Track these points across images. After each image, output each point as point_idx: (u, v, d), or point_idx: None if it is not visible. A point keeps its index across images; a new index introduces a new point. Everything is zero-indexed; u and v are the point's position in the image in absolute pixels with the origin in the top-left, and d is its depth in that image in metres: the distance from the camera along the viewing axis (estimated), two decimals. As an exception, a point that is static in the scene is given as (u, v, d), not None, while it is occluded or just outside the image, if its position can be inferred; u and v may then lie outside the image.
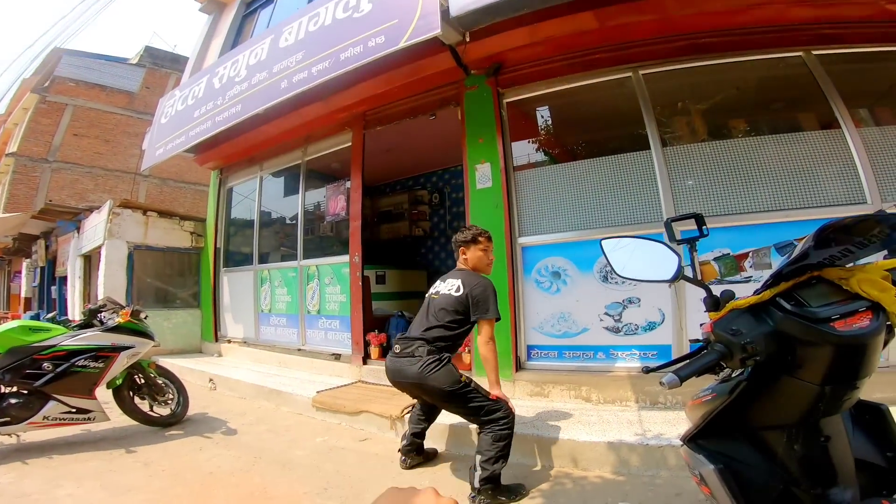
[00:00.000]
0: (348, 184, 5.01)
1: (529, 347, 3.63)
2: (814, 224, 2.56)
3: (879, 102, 3.46)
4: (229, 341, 6.44)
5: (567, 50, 3.56)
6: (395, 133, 5.88)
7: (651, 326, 3.29)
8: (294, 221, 5.70)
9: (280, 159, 5.99)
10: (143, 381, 3.61)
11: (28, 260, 13.47)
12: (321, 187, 5.83)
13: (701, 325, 1.18)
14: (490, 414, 2.40)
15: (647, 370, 1.16)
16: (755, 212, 3.13)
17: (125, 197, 9.85)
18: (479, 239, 2.74)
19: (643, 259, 1.34)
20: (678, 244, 1.37)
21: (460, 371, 2.50)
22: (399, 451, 2.81)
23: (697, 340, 1.18)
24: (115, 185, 14.46)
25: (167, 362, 5.83)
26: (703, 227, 1.36)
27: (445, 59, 3.76)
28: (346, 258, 4.81)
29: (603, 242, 1.39)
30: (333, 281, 5.06)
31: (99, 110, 14.77)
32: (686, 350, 3.16)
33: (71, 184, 13.93)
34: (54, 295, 10.89)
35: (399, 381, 2.59)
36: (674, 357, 1.15)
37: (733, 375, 1.05)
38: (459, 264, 2.81)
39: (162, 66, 16.37)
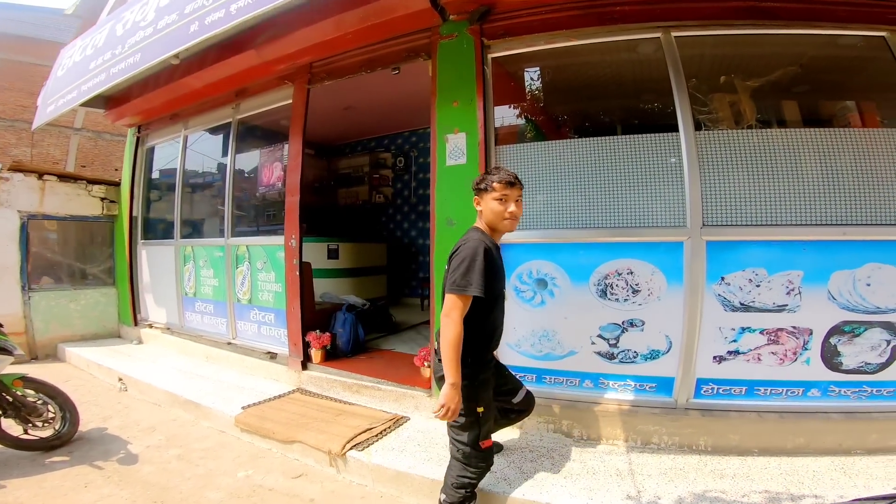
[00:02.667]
0: (286, 149, 4.14)
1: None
2: (880, 246, 1.80)
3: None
4: (151, 326, 5.62)
5: None
6: (355, 89, 5.10)
7: (654, 355, 2.70)
8: (221, 191, 4.80)
9: (207, 116, 5.03)
10: (10, 400, 2.84)
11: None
12: (255, 151, 4.93)
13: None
14: (453, 443, 2.04)
15: None
16: (803, 225, 2.51)
17: (51, 152, 8.63)
18: (493, 184, 2.03)
19: None
20: None
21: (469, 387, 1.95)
22: None
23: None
24: (41, 139, 12.98)
25: (73, 352, 5.18)
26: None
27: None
28: (280, 240, 4.00)
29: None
30: (267, 266, 4.26)
31: (27, 63, 13.10)
32: (693, 384, 2.68)
33: (-12, 138, 12.36)
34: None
35: None
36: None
37: None
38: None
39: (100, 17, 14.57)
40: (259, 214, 5.13)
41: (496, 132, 3.08)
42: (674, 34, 2.73)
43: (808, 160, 2.56)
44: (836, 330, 2.50)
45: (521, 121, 3.56)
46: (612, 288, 2.72)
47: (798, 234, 2.51)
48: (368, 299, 5.37)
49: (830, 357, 2.52)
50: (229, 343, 4.62)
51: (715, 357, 2.62)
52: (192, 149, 5.42)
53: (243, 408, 3.33)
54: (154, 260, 5.64)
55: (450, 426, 2.03)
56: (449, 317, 1.88)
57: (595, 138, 2.87)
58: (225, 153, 4.81)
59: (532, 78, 3.58)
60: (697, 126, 2.67)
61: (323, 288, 5.45)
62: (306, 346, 3.88)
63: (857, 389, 2.51)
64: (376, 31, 3.25)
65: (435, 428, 2.89)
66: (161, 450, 3.02)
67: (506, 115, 3.38)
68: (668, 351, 2.68)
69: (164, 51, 3.53)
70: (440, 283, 2.98)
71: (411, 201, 7.46)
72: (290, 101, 4.04)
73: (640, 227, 2.70)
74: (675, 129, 2.67)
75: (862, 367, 2.50)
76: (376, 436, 2.79)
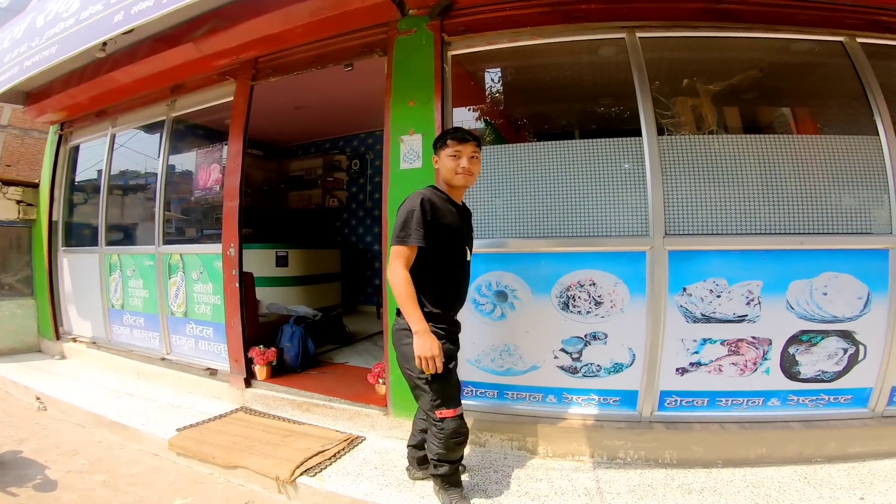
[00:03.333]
0: (226, 149, 3.83)
1: (461, 384, 2.85)
2: (836, 255, 1.56)
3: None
4: (75, 340, 5.09)
5: None
6: (307, 88, 4.84)
7: (618, 368, 2.63)
8: (153, 195, 4.41)
9: (138, 114, 4.61)
10: None
11: None
12: (192, 151, 4.57)
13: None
14: (420, 399, 2.08)
15: None
16: (762, 234, 2.51)
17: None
18: (447, 140, 2.11)
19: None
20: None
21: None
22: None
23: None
24: (-40, 135, 11.77)
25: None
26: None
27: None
28: (218, 248, 3.69)
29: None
30: (203, 276, 3.92)
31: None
32: (657, 397, 2.64)
33: None
34: None
35: None
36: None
37: None
38: None
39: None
40: (195, 220, 4.78)
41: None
42: (638, 35, 2.68)
43: (767, 168, 2.56)
44: (794, 339, 2.51)
45: (480, 124, 3.44)
46: (575, 300, 2.63)
47: (758, 244, 2.51)
48: (321, 308, 5.11)
49: (789, 366, 2.53)
50: (163, 359, 4.23)
51: (678, 369, 2.58)
52: (124, 147, 4.97)
53: (178, 430, 3.01)
54: (77, 268, 5.13)
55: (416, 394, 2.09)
56: (391, 266, 1.97)
57: (556, 142, 2.77)
58: (158, 154, 4.40)
59: (492, 79, 3.47)
60: (660, 131, 2.63)
61: (271, 298, 5.13)
62: (249, 362, 3.58)
63: (814, 398, 2.54)
64: (329, 24, 3.03)
65: (393, 448, 2.71)
66: (84, 475, 2.68)
67: (464, 118, 3.26)
68: (631, 364, 2.62)
69: (84, 42, 3.19)
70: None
71: (367, 205, 7.22)
72: (232, 98, 3.73)
73: (603, 235, 2.62)
74: (638, 133, 2.60)
75: (819, 375, 2.52)
76: (329, 459, 2.57)
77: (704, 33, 2.70)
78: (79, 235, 5.38)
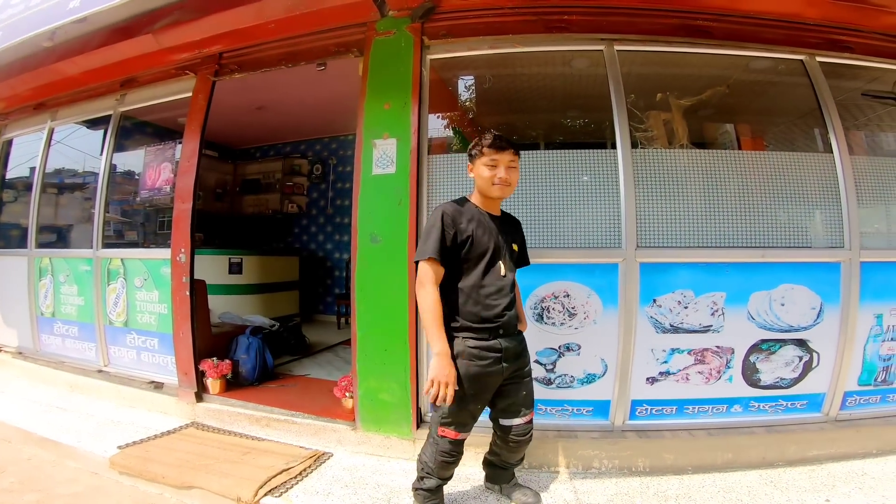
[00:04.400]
0: (179, 148, 3.62)
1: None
2: (793, 268, 1.67)
3: (879, 124, 3.19)
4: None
5: (531, 0, 2.71)
6: (270, 88, 4.68)
7: (590, 379, 2.66)
8: (92, 195, 4.10)
9: (83, 107, 4.30)
10: None
11: None
12: (139, 149, 4.27)
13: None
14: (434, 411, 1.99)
15: None
16: (727, 247, 2.63)
17: None
18: (483, 148, 1.98)
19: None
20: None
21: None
22: None
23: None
24: None
25: None
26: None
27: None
28: (166, 253, 3.46)
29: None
30: (148, 283, 3.66)
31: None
32: (628, 406, 2.68)
33: None
34: None
35: None
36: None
37: None
38: None
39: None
40: (139, 223, 4.50)
41: (429, 140, 2.90)
42: (616, 48, 2.76)
43: (732, 183, 2.69)
44: (754, 348, 2.64)
45: (452, 131, 3.44)
46: (549, 311, 2.65)
47: (722, 257, 2.62)
48: (278, 318, 4.91)
49: (750, 374, 2.65)
50: (100, 371, 3.91)
51: (648, 378, 2.64)
52: (62, 144, 4.60)
53: (120, 447, 2.77)
54: (1, 272, 4.68)
55: None
56: (418, 286, 1.91)
57: (533, 152, 2.79)
58: (101, 150, 4.09)
59: (469, 86, 3.48)
60: (633, 144, 2.70)
61: (224, 307, 4.87)
62: (201, 375, 3.36)
63: (774, 404, 2.67)
64: (304, 21, 2.93)
65: (363, 464, 2.60)
66: (14, 494, 2.43)
67: (438, 125, 3.25)
68: (603, 374, 2.65)
69: (31, 29, 2.98)
70: (368, 306, 2.76)
71: (328, 212, 7.07)
72: (190, 94, 3.53)
73: (578, 247, 2.66)
74: (613, 145, 2.67)
75: (777, 382, 2.66)
76: (296, 477, 2.42)
77: (679, 49, 2.82)
78: (6, 236, 4.95)
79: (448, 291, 1.93)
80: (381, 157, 2.82)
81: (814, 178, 2.72)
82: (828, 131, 2.74)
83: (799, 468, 2.47)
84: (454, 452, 1.96)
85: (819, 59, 2.86)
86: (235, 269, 5.70)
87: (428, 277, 1.88)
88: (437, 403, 1.84)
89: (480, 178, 1.99)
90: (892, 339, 2.70)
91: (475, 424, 2.02)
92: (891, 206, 2.83)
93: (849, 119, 2.82)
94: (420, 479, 2.05)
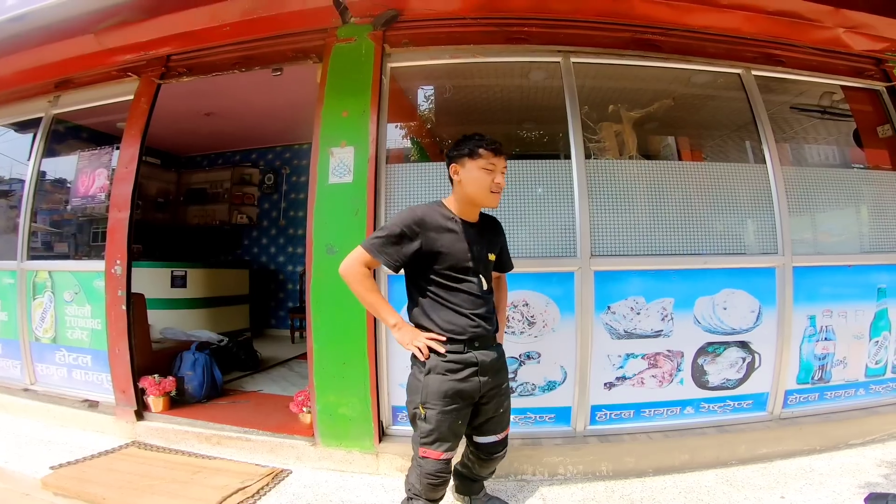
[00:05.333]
0: (117, 154, 3.43)
1: (396, 409, 2.74)
2: (733, 273, 2.01)
3: (804, 136, 3.47)
4: None
5: (493, 12, 2.76)
6: (220, 93, 4.52)
7: (551, 386, 2.71)
8: (17, 203, 3.82)
9: (10, 109, 4.02)
10: None
11: None
12: (72, 154, 4.01)
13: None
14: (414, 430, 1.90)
15: None
16: (673, 254, 2.76)
17: None
18: (479, 150, 1.81)
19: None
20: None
21: (417, 377, 1.84)
22: None
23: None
24: None
25: None
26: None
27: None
28: (99, 265, 3.25)
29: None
30: (79, 297, 3.42)
31: None
32: (588, 412, 2.74)
33: None
34: None
35: None
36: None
37: None
38: None
39: None
40: (72, 234, 4.21)
41: (388, 150, 2.88)
42: (572, 60, 2.87)
43: (677, 193, 2.84)
44: (702, 351, 2.77)
45: (410, 141, 3.45)
46: (509, 321, 2.67)
47: (669, 264, 2.76)
48: (227, 333, 4.70)
49: (699, 376, 2.78)
50: (26, 390, 3.62)
51: (606, 384, 2.72)
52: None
53: (53, 467, 2.58)
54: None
55: None
56: (342, 266, 1.84)
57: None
58: (29, 155, 3.84)
59: (428, 96, 3.51)
60: (587, 155, 2.81)
61: (167, 322, 4.62)
62: (141, 392, 3.16)
63: (722, 404, 2.81)
64: (261, 25, 2.86)
65: (325, 480, 2.51)
66: None
67: (397, 135, 3.25)
68: (563, 381, 2.71)
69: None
70: (324, 319, 2.70)
71: (280, 223, 6.88)
72: (131, 97, 3.35)
73: (535, 257, 2.72)
74: (567, 155, 2.75)
75: (724, 383, 2.80)
76: (252, 496, 2.31)
77: (630, 62, 2.96)
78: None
79: (420, 302, 1.85)
80: (337, 165, 2.78)
81: (749, 188, 2.92)
82: (761, 143, 2.95)
83: (751, 466, 2.60)
84: (440, 473, 1.79)
85: (755, 72, 3.07)
86: (179, 282, 5.43)
87: (355, 259, 1.82)
88: (426, 357, 1.76)
89: (474, 182, 1.82)
90: (825, 339, 2.90)
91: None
92: (817, 213, 3.07)
93: (777, 132, 3.04)
94: (408, 499, 1.89)
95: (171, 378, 3.29)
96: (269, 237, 6.95)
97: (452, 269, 1.82)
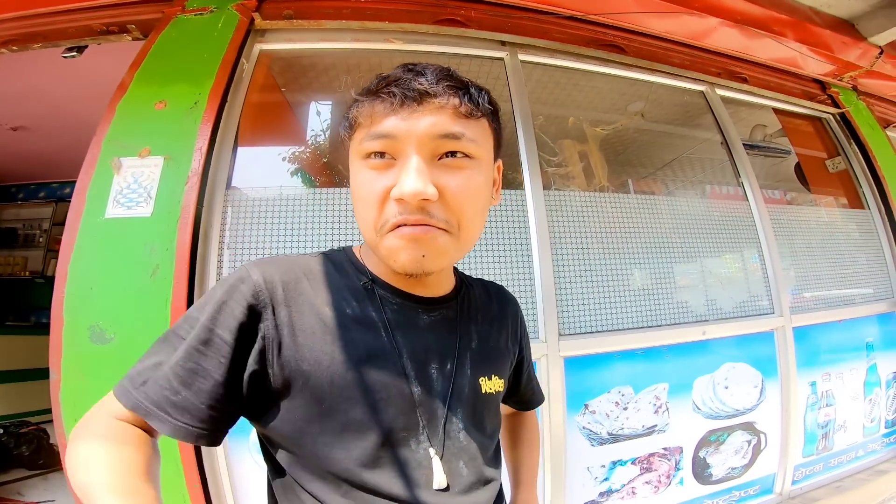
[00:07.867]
0: None
1: None
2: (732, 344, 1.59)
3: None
4: None
5: None
6: (32, 98, 3.29)
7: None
8: None
9: None
10: None
11: None
12: None
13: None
14: None
15: None
16: (664, 326, 2.11)
17: None
18: (356, 114, 0.69)
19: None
20: None
21: None
22: None
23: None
24: None
25: None
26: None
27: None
28: None
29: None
30: None
31: None
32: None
33: None
34: None
35: None
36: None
37: None
38: None
39: None
40: None
41: (231, 165, 1.78)
42: (521, 57, 2.14)
43: (672, 239, 2.23)
44: (703, 442, 2.13)
45: (299, 174, 2.42)
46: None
47: (660, 338, 2.08)
48: (14, 417, 3.45)
49: (701, 471, 2.14)
50: None
51: (587, 503, 1.93)
52: None
53: None
54: None
55: None
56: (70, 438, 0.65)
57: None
58: None
59: (322, 110, 2.49)
60: (547, 183, 2.07)
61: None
62: None
63: (727, 496, 2.20)
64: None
65: None
66: None
67: (270, 161, 2.24)
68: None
69: None
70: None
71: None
72: None
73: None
74: (520, 185, 1.99)
75: (729, 473, 2.20)
76: None
77: (589, 66, 2.33)
78: None
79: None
80: (127, 186, 1.64)
81: (733, 230, 2.40)
82: (738, 175, 2.48)
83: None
84: None
85: (720, 92, 2.65)
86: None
87: (101, 407, 0.67)
88: None
89: (355, 194, 0.72)
90: (827, 405, 2.47)
91: None
92: (805, 261, 2.64)
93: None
94: None
95: None
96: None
97: (351, 423, 0.68)
